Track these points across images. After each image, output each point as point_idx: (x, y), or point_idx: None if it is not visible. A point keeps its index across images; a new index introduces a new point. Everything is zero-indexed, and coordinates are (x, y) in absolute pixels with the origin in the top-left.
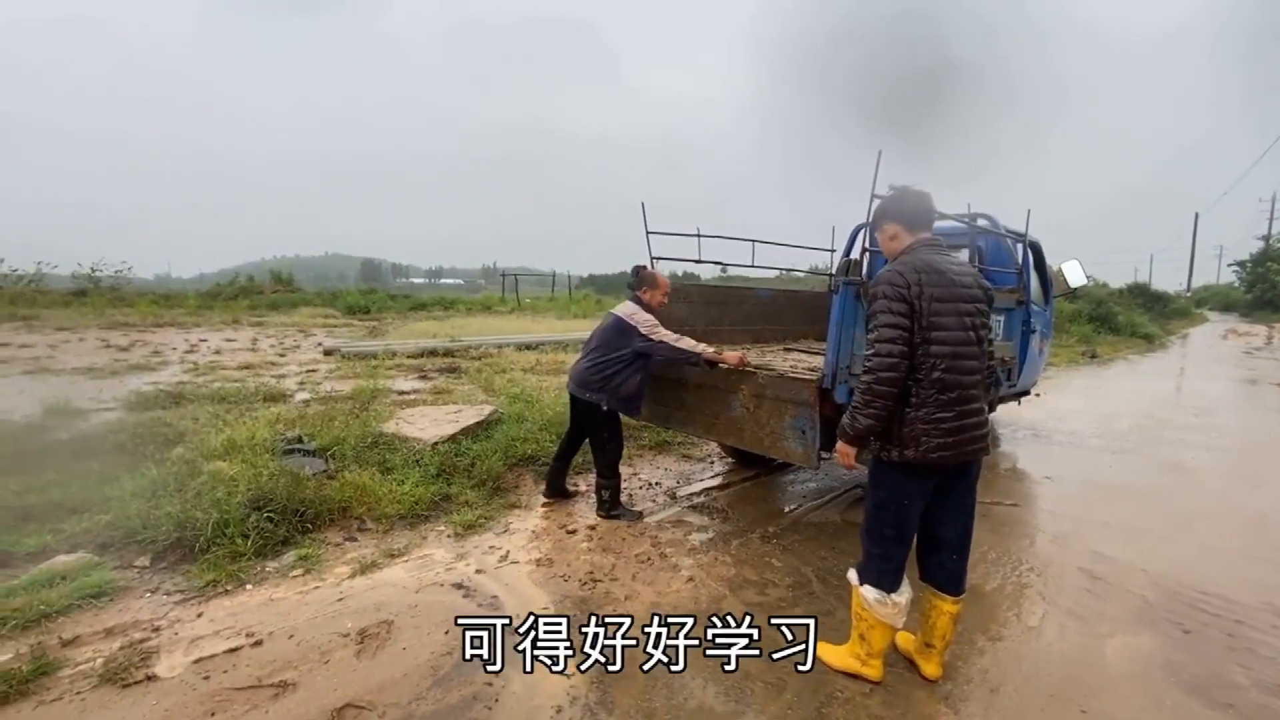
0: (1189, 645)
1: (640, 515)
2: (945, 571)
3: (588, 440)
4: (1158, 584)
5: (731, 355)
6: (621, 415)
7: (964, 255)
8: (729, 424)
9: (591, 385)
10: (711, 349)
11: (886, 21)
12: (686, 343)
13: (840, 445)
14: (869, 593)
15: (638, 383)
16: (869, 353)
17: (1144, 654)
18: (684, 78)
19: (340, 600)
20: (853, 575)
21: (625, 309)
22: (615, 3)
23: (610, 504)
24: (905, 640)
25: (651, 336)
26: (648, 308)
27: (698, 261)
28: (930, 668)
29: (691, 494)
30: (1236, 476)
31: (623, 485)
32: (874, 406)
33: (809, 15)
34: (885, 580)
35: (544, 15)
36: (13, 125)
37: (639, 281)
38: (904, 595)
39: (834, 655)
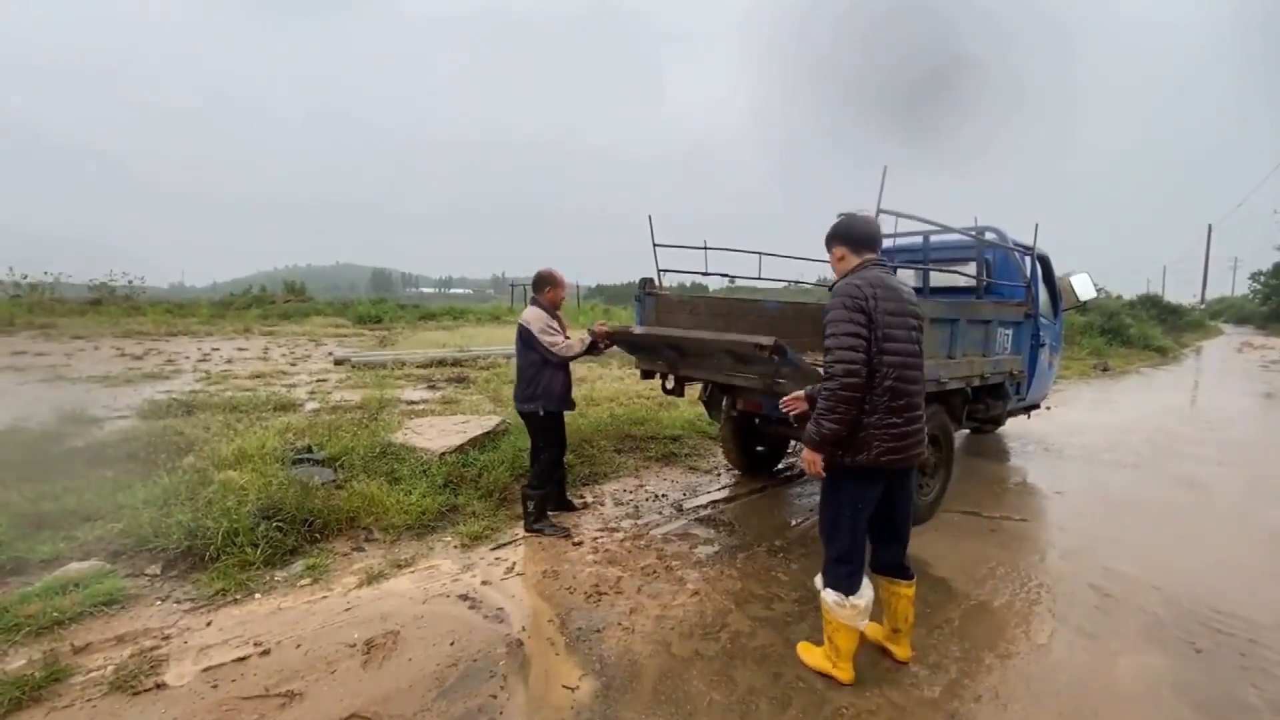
0: (1201, 664)
1: (567, 532)
2: (898, 562)
3: (554, 452)
4: (1170, 602)
5: (599, 328)
6: (563, 436)
7: (971, 268)
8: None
9: (524, 397)
10: (589, 335)
11: (892, 18)
12: (577, 344)
13: (806, 453)
14: (829, 596)
15: (561, 378)
16: (829, 359)
17: (1155, 673)
18: (691, 90)
19: (347, 610)
20: (818, 580)
21: (524, 315)
22: (632, 17)
23: (535, 516)
24: (874, 630)
25: (547, 345)
26: (548, 306)
27: (705, 274)
28: (900, 650)
29: (698, 506)
30: (1252, 493)
31: (635, 496)
32: (838, 412)
33: (804, 9)
34: (843, 583)
35: (555, 30)
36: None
37: (538, 283)
38: (863, 598)
39: (811, 655)
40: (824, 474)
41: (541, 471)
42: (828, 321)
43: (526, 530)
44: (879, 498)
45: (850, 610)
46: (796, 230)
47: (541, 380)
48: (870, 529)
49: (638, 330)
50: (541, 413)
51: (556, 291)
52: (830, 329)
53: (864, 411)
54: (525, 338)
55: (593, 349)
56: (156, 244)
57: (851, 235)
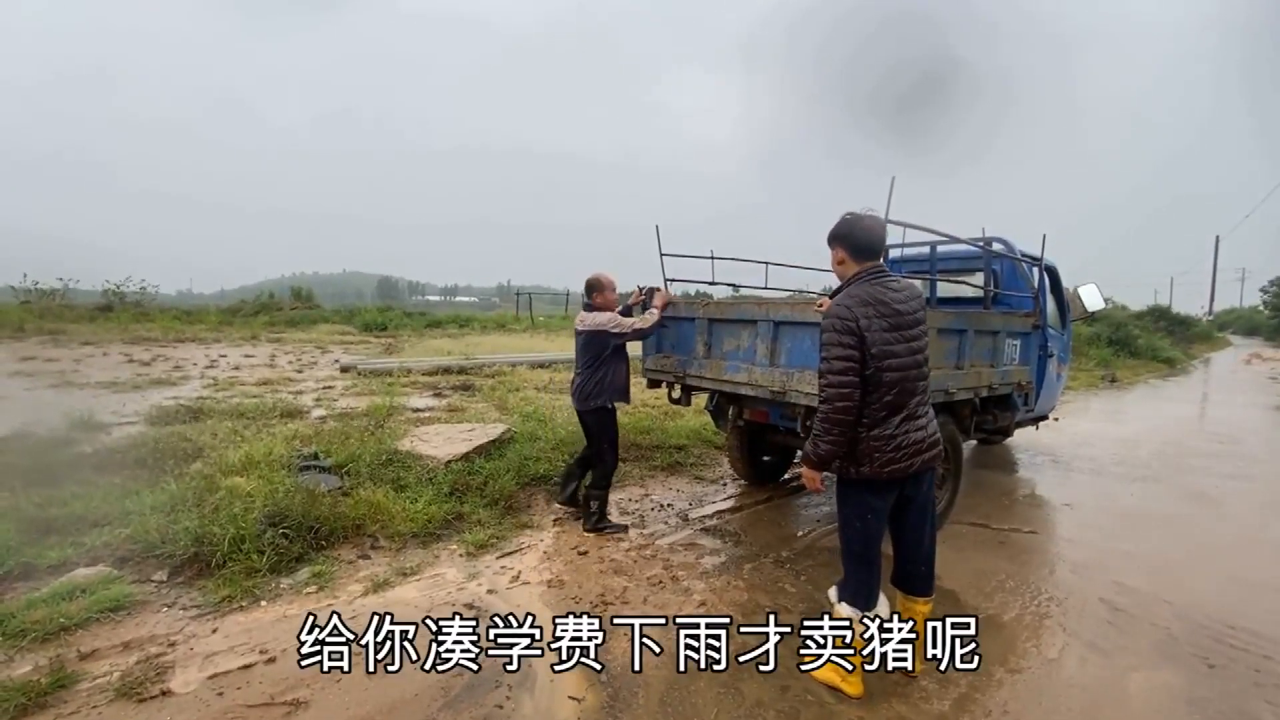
0: (1214, 681)
1: (625, 528)
2: (917, 576)
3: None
4: (1182, 616)
5: (660, 298)
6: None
7: (979, 279)
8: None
9: (591, 394)
10: (657, 312)
11: (890, 23)
12: (647, 319)
13: (805, 470)
14: (844, 610)
15: (624, 370)
16: (823, 383)
17: (1168, 689)
18: (694, 97)
19: (352, 619)
20: (833, 592)
21: (588, 321)
22: (642, 28)
23: (598, 516)
24: None
25: (624, 330)
26: (602, 308)
27: (711, 283)
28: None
29: (704, 516)
30: (1263, 506)
31: (640, 505)
32: (833, 434)
33: (804, 17)
34: (860, 598)
35: (563, 37)
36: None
37: (591, 289)
38: (878, 615)
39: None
40: (821, 488)
41: (607, 473)
42: (821, 344)
43: (588, 530)
44: (892, 506)
45: (864, 627)
46: (794, 230)
47: (607, 376)
48: (893, 540)
49: (690, 300)
50: (610, 406)
51: (608, 295)
52: (823, 352)
53: (862, 425)
54: (597, 338)
55: (659, 326)
56: (163, 251)
57: (852, 240)
